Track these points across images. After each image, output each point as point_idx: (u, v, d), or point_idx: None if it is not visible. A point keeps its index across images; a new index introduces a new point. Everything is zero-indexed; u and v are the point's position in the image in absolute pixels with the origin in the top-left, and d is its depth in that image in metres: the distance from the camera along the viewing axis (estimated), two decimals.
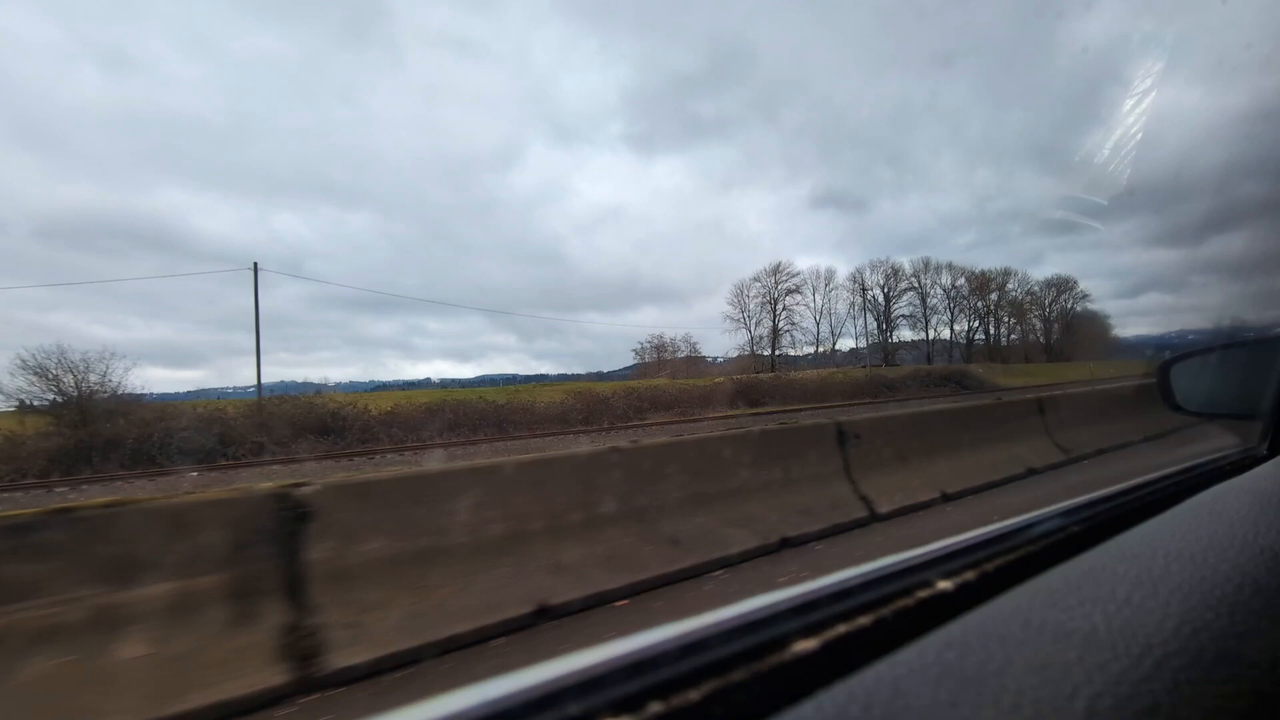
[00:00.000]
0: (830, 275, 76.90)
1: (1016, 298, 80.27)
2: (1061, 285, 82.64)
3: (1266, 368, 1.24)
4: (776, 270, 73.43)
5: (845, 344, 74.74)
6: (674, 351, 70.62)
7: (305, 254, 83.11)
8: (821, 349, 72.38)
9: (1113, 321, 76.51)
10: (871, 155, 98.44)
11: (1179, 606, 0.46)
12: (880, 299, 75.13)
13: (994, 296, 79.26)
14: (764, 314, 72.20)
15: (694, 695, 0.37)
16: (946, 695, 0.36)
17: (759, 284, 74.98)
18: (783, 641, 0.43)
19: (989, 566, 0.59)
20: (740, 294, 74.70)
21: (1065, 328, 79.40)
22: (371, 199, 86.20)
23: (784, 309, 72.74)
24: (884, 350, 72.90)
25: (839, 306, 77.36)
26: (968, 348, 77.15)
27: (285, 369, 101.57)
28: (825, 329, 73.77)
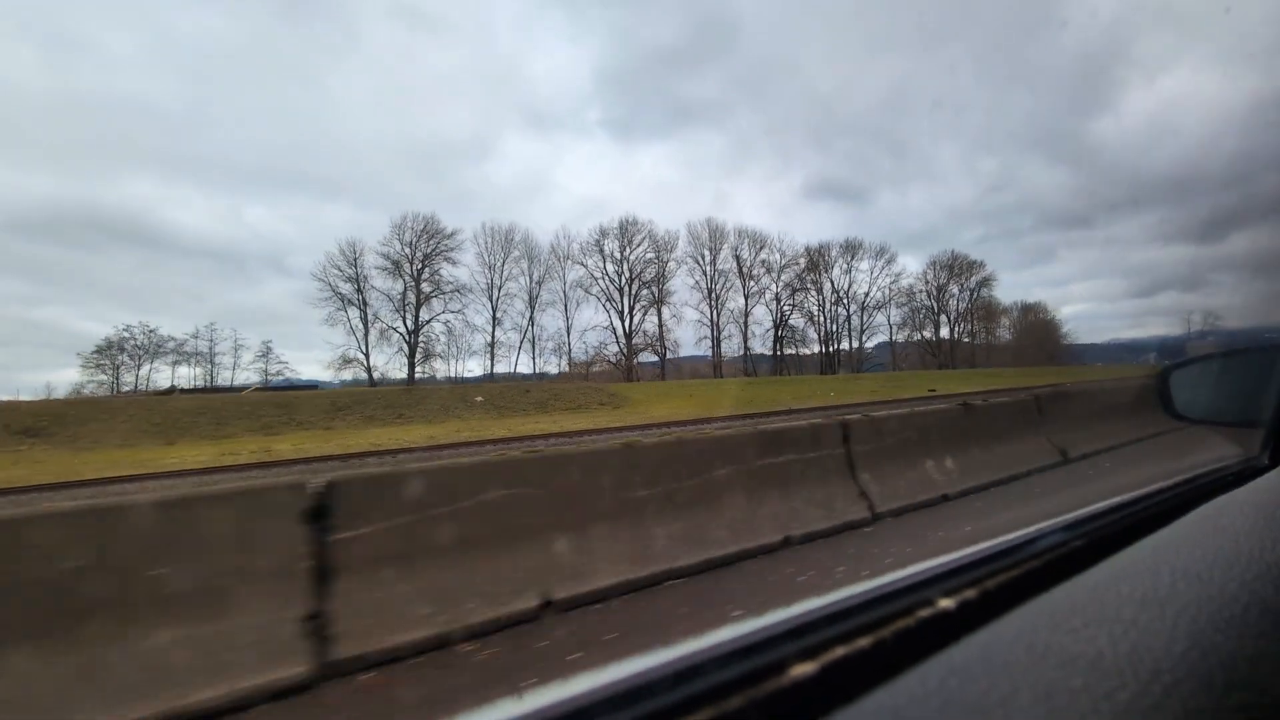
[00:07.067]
0: (523, 237, 46.61)
1: (884, 283, 54.21)
2: (958, 266, 54.87)
3: (1267, 375, 1.24)
4: (427, 228, 43.52)
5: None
6: (268, 356, 45.16)
7: (287, 248, 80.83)
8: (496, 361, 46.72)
9: (1064, 318, 59.34)
10: (869, 143, 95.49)
11: (1186, 628, 0.45)
12: (617, 278, 48.76)
13: (844, 279, 53.60)
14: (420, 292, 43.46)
15: None
16: None
17: (404, 245, 43.63)
18: (780, 666, 0.42)
19: (990, 584, 0.57)
20: (348, 256, 42.57)
21: (974, 326, 58.00)
22: (348, 192, 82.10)
23: (435, 283, 44.19)
24: (626, 359, 48.31)
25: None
26: (777, 355, 53.26)
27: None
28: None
